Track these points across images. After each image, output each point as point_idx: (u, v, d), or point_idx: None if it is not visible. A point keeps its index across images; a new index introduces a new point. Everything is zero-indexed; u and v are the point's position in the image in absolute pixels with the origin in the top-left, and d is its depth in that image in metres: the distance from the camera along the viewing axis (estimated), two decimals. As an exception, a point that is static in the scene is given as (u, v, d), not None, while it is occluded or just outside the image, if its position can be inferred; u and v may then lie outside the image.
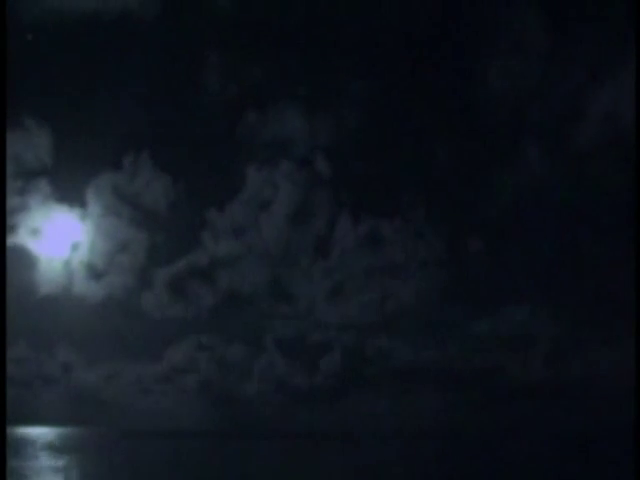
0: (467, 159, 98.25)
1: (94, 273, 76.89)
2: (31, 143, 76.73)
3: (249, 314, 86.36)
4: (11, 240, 71.15)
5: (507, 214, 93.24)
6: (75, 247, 77.66)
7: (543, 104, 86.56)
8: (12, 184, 71.89)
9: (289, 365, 79.17)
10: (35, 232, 73.25)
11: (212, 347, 78.92)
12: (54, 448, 49.31)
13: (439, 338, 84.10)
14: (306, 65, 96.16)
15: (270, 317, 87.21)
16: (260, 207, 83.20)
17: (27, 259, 74.85)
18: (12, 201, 71.56)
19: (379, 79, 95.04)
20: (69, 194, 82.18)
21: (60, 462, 31.55)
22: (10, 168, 72.26)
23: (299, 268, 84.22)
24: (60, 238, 77.12)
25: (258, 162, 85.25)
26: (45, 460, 32.95)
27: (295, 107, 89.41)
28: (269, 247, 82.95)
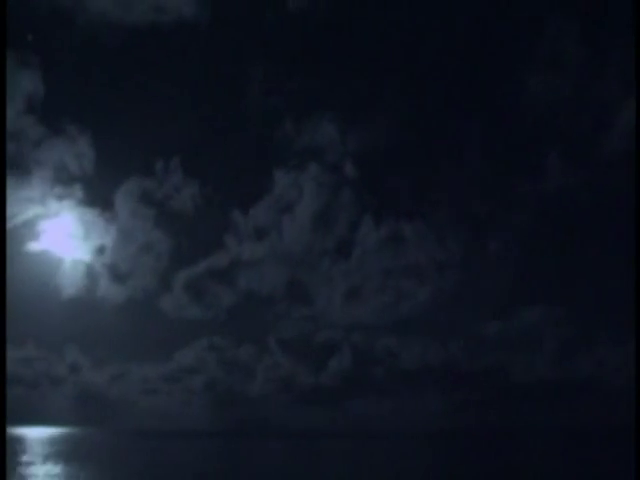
0: (492, 165, 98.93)
1: (117, 275, 77.51)
2: (71, 150, 77.24)
3: (265, 315, 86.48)
4: (39, 244, 71.46)
5: (529, 219, 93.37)
6: (100, 250, 78.24)
7: (573, 114, 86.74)
8: (51, 190, 72.01)
9: (297, 365, 79.04)
10: (64, 236, 73.82)
11: (223, 348, 78.95)
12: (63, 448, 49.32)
13: (450, 339, 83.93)
14: (341, 79, 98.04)
15: (285, 318, 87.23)
16: (284, 210, 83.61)
17: (53, 262, 75.27)
18: (51, 207, 71.38)
19: (410, 89, 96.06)
20: (99, 199, 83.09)
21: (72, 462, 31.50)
22: (50, 174, 72.28)
23: (319, 270, 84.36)
24: (87, 241, 77.83)
25: (287, 167, 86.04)
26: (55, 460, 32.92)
27: (329, 117, 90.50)
28: (291, 249, 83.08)
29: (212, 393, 77.91)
